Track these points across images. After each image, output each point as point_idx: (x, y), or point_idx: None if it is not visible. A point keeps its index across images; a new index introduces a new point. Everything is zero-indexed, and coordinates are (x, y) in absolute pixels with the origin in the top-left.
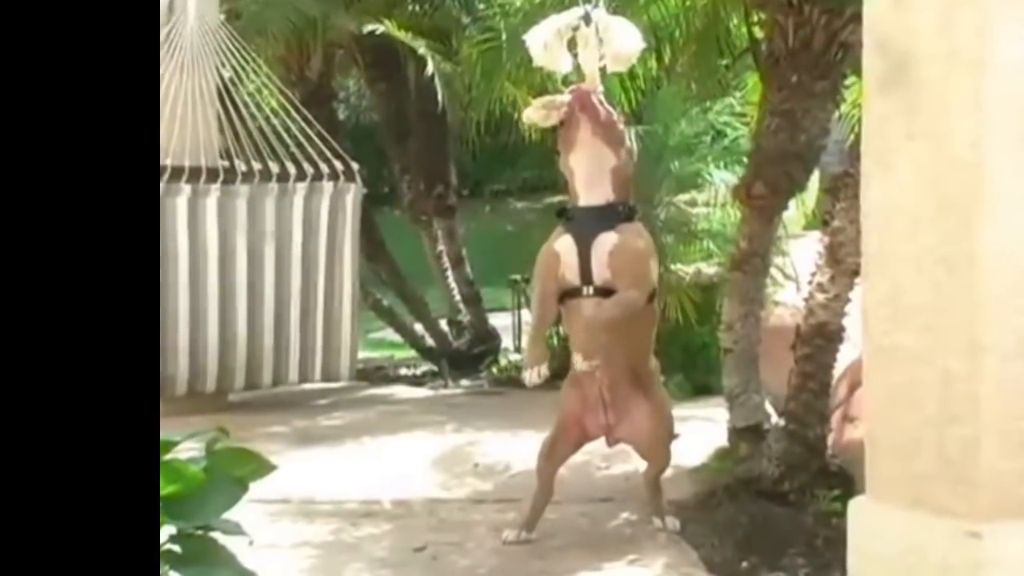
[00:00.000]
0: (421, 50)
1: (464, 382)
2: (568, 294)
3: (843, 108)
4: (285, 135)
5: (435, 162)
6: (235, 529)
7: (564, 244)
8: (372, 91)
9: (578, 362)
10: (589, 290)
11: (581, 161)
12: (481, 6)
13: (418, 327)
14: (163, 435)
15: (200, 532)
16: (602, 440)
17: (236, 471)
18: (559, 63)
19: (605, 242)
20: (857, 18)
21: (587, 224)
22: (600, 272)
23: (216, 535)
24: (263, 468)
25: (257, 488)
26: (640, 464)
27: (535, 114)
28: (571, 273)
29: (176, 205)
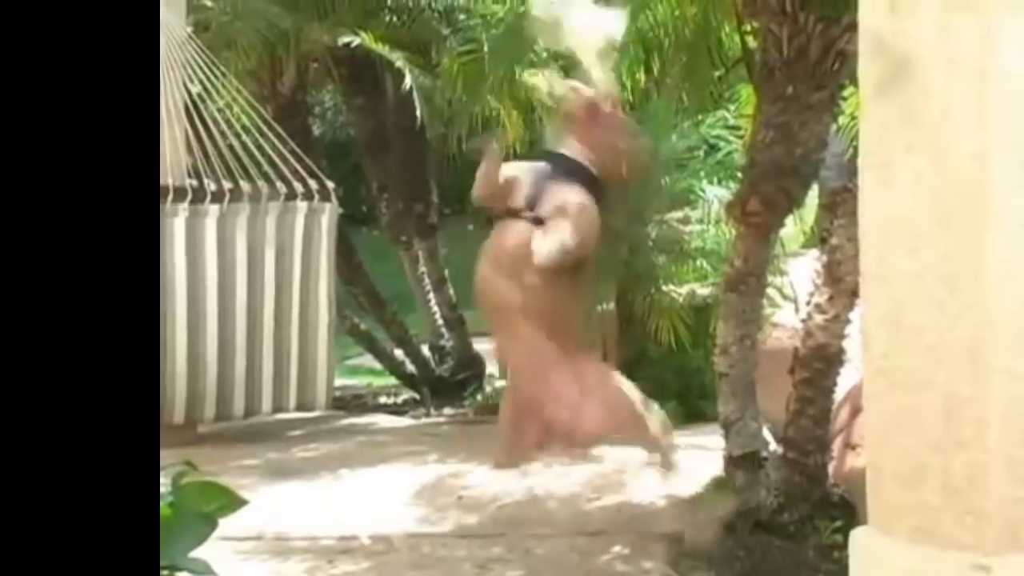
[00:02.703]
0: (399, 63)
1: (447, 410)
2: None
3: (841, 120)
4: (257, 152)
5: (415, 179)
6: (203, 568)
7: None
8: (348, 106)
9: None
10: None
11: None
12: (462, 17)
13: (398, 353)
14: None
15: (166, 572)
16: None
17: (205, 507)
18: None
19: None
20: (854, 26)
21: None
22: None
23: (183, 575)
24: (233, 503)
25: (227, 524)
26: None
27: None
28: None
29: None
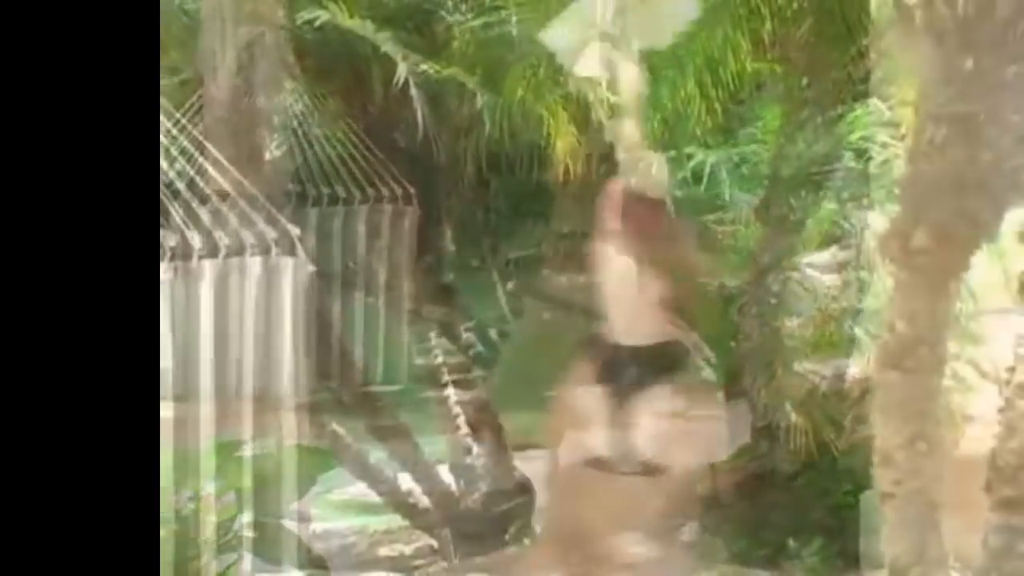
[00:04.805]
0: (471, 86)
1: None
2: None
3: None
4: (350, 162)
5: None
6: (304, 517)
7: None
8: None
9: None
10: None
11: None
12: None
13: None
14: (240, 434)
15: (272, 520)
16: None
17: (305, 465)
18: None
19: None
20: None
21: None
22: None
23: (286, 522)
24: (328, 464)
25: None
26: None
27: None
28: None
29: None
